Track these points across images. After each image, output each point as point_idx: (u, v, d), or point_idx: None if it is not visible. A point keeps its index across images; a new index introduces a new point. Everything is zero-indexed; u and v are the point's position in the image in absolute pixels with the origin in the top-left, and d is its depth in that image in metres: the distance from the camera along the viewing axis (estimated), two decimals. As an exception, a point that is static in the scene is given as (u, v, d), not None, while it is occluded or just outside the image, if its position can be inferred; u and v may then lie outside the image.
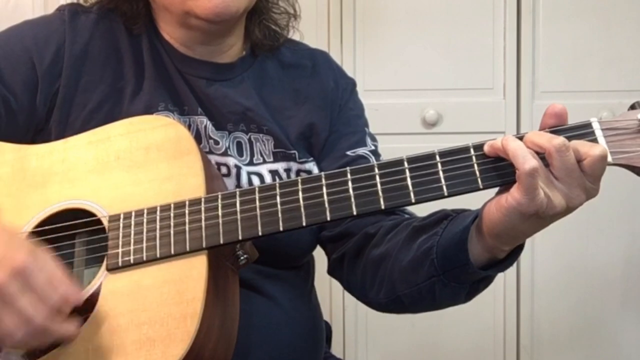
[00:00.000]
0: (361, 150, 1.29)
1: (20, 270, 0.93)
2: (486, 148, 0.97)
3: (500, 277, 1.11)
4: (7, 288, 0.92)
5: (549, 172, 0.94)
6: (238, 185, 1.20)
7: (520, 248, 1.03)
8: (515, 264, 1.07)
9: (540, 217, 0.94)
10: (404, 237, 1.14)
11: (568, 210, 0.95)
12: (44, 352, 1.00)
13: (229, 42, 1.27)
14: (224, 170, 1.20)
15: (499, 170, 0.96)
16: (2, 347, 0.99)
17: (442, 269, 1.05)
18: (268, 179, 1.22)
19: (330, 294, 2.13)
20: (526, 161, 0.92)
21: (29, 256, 0.94)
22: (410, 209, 1.16)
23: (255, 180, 1.21)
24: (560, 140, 0.92)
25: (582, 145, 0.93)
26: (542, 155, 0.93)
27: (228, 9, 1.17)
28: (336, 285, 2.08)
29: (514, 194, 0.93)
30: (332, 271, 1.30)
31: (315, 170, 1.27)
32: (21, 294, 0.93)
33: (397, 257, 1.14)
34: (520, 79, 2.15)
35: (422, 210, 1.11)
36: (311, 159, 1.28)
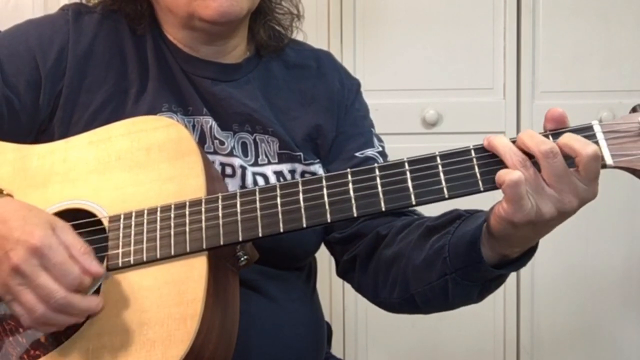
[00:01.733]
0: (369, 152, 1.29)
1: (37, 248, 0.93)
2: (485, 142, 0.96)
3: (500, 278, 1.11)
4: (25, 267, 0.93)
5: (539, 177, 0.93)
6: (243, 186, 1.19)
7: (533, 249, 1.03)
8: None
9: (534, 225, 0.94)
10: (416, 236, 1.14)
11: (561, 216, 0.94)
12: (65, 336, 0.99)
13: (232, 43, 1.27)
14: (229, 170, 1.20)
15: None
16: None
17: (455, 267, 1.05)
18: (273, 180, 1.22)
19: (330, 294, 2.12)
20: (508, 173, 0.92)
21: (47, 232, 0.95)
22: (418, 209, 1.15)
23: (261, 181, 1.21)
24: (547, 146, 0.91)
25: (576, 141, 0.92)
26: (534, 160, 0.93)
27: (232, 9, 1.17)
28: (336, 285, 2.09)
29: (503, 204, 0.94)
30: (343, 273, 1.30)
31: (321, 172, 1.27)
32: (40, 271, 0.93)
33: (410, 256, 1.13)
34: (520, 79, 2.15)
35: (430, 210, 1.11)
36: (317, 160, 1.28)
